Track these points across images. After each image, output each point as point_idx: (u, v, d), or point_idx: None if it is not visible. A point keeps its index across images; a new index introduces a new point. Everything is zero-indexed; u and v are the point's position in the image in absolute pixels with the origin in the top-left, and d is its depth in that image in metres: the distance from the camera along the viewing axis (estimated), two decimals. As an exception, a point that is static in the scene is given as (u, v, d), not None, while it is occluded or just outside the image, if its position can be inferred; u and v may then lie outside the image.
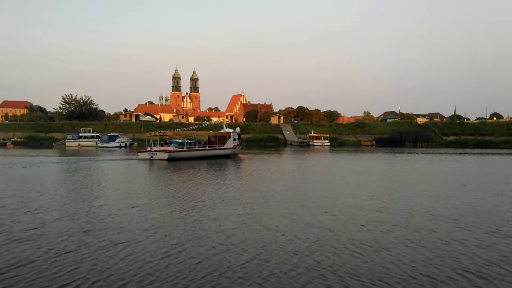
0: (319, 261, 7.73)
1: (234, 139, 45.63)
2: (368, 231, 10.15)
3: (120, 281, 6.61)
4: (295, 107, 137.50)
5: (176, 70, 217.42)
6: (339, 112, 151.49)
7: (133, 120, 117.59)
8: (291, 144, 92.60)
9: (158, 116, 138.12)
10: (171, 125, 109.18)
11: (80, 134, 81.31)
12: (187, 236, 9.45)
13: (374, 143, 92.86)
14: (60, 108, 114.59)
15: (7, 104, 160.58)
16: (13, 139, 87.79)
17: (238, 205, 13.69)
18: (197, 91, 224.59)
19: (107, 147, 72.48)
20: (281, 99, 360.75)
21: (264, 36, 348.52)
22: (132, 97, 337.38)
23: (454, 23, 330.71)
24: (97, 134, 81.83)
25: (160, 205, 13.57)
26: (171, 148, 39.26)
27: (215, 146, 43.18)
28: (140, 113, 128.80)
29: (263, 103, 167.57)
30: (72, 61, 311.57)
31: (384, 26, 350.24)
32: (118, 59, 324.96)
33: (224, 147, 43.87)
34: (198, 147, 42.08)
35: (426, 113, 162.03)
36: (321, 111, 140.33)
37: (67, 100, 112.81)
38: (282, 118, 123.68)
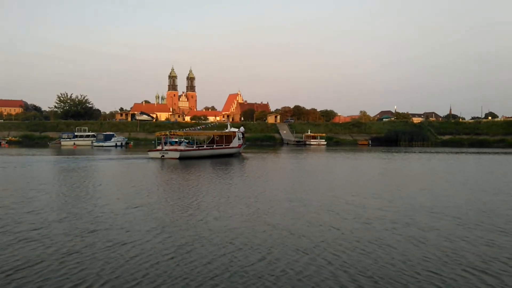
0: (329, 260, 7.72)
1: (239, 138, 46.36)
2: (373, 229, 10.18)
3: (132, 282, 6.55)
4: (292, 106, 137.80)
5: (173, 69, 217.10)
6: (335, 111, 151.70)
7: (129, 119, 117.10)
8: (287, 144, 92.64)
9: (154, 115, 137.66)
10: (167, 124, 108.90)
11: (76, 133, 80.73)
12: (194, 235, 9.40)
13: (370, 143, 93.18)
14: (55, 107, 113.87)
15: (1, 103, 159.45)
16: (8, 138, 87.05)
17: (243, 204, 13.68)
18: (194, 90, 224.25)
19: (102, 146, 72.08)
20: (277, 98, 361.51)
21: (260, 35, 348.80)
22: (128, 96, 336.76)
23: (450, 24, 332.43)
24: (92, 133, 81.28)
25: (166, 204, 13.53)
26: (181, 147, 40.17)
27: (222, 145, 43.84)
28: (136, 112, 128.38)
29: (260, 102, 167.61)
30: (67, 59, 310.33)
31: (380, 27, 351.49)
32: (114, 58, 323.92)
33: (230, 146, 44.53)
34: (206, 146, 42.89)
35: (422, 113, 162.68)
36: (318, 110, 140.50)
37: (62, 99, 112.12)
38: (278, 117, 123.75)
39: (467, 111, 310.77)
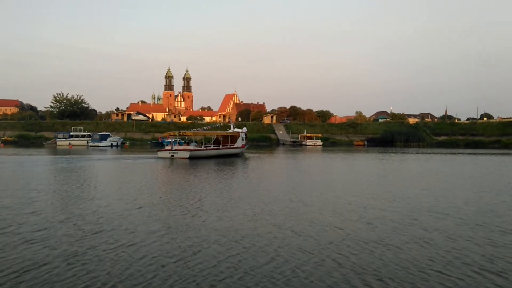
0: (339, 261, 7.74)
1: (242, 139, 47.38)
2: (378, 230, 10.25)
3: (143, 284, 6.53)
4: (288, 106, 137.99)
5: (169, 69, 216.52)
6: (331, 112, 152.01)
7: (125, 119, 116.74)
8: (283, 144, 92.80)
9: (150, 115, 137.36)
10: (163, 124, 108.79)
11: (71, 133, 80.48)
12: (200, 236, 9.39)
13: (366, 143, 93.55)
14: (51, 107, 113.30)
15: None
16: (3, 138, 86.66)
17: (246, 204, 13.70)
18: (190, 91, 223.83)
19: (98, 146, 71.95)
20: (273, 99, 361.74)
21: (257, 36, 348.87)
22: (124, 96, 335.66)
23: (446, 25, 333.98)
24: (88, 133, 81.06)
25: (170, 204, 13.54)
26: (191, 147, 41.05)
27: (227, 145, 44.90)
28: (132, 112, 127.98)
29: (256, 103, 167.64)
30: (63, 59, 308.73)
31: (376, 28, 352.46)
32: (110, 58, 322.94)
33: (234, 146, 45.70)
34: (213, 146, 43.85)
35: (418, 113, 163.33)
36: (314, 111, 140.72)
37: (58, 99, 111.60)
38: (274, 117, 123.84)
39: (463, 112, 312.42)
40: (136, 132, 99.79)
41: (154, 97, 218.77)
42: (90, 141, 76.70)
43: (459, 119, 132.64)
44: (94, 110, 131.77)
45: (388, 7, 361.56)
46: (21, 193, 15.51)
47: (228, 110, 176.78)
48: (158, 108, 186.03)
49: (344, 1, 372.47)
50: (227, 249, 8.40)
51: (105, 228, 10.07)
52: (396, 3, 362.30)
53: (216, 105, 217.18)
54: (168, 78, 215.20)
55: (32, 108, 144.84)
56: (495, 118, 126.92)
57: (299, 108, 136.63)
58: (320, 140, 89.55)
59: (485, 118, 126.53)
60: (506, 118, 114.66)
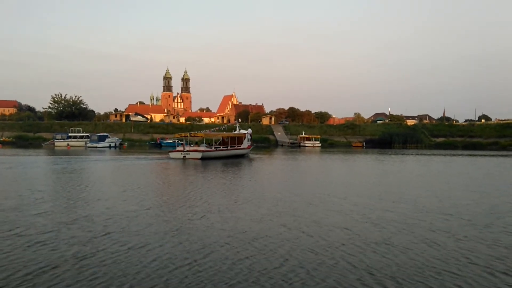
0: (352, 263, 7.74)
1: (248, 140, 48.20)
2: (387, 231, 10.28)
3: (158, 286, 6.50)
4: (286, 108, 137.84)
5: (167, 70, 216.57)
6: (330, 113, 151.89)
7: (124, 120, 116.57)
8: (282, 145, 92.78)
9: (148, 116, 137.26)
10: (162, 125, 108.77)
11: (69, 134, 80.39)
12: (211, 238, 9.37)
13: (364, 144, 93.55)
14: (49, 107, 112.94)
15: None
16: (1, 139, 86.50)
17: (254, 205, 13.72)
18: (189, 91, 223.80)
19: (96, 147, 71.90)
20: (272, 100, 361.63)
21: (255, 37, 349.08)
22: (122, 97, 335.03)
23: (444, 27, 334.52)
24: (86, 134, 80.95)
25: (179, 205, 13.55)
26: (202, 148, 41.79)
27: (235, 146, 45.60)
28: (130, 113, 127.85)
29: (255, 104, 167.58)
30: (62, 60, 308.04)
31: (375, 29, 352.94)
32: (109, 59, 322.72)
33: (241, 147, 46.49)
34: (222, 147, 44.28)
35: (416, 115, 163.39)
36: (312, 112, 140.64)
37: (56, 99, 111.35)
38: (273, 119, 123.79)
39: (461, 114, 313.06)
40: (135, 133, 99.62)
41: (153, 98, 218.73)
42: (88, 142, 76.60)
43: (457, 121, 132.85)
44: (93, 111, 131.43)
45: (387, 8, 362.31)
46: (26, 194, 15.43)
47: (226, 111, 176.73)
48: (157, 109, 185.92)
49: (343, 1, 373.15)
50: (239, 251, 8.38)
51: (113, 229, 10.03)
52: (395, 4, 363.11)
53: (215, 106, 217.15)
54: (167, 79, 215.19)
55: (30, 109, 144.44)
56: (493, 120, 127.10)
57: (298, 109, 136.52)
58: (318, 142, 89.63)
59: (483, 120, 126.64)
60: (504, 120, 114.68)
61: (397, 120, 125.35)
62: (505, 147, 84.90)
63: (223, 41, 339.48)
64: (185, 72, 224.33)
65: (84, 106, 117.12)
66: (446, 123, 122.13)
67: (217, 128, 59.41)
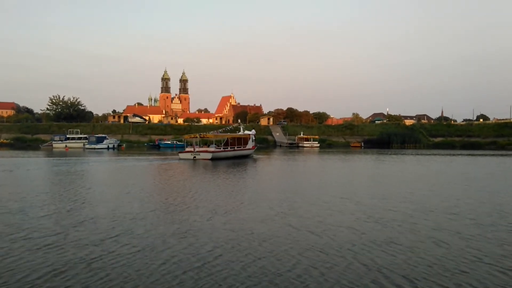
0: (365, 263, 7.72)
1: (252, 140, 49.30)
2: (395, 231, 10.28)
3: None
4: (285, 108, 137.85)
5: (166, 71, 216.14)
6: (328, 113, 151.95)
7: (122, 121, 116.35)
8: (280, 146, 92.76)
9: (147, 118, 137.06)
10: (160, 126, 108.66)
11: (68, 136, 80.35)
12: (220, 239, 9.31)
13: (362, 145, 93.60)
14: (47, 109, 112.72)
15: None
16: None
17: (261, 206, 13.70)
18: (187, 92, 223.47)
19: (94, 148, 71.89)
20: (270, 101, 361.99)
21: (254, 37, 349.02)
22: (120, 98, 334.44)
23: (442, 27, 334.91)
24: (84, 136, 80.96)
25: (186, 206, 13.54)
26: (211, 149, 42.43)
27: (241, 147, 46.60)
28: (128, 114, 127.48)
29: (253, 105, 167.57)
30: (60, 61, 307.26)
31: (373, 30, 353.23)
32: (106, 60, 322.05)
33: (247, 147, 47.51)
34: (230, 148, 45.17)
35: (414, 115, 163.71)
36: (311, 112, 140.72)
37: (54, 101, 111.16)
38: (271, 119, 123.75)
39: (459, 114, 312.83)
40: (133, 134, 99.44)
41: (151, 99, 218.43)
42: (86, 143, 76.61)
43: (455, 121, 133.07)
44: (91, 112, 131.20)
45: (385, 9, 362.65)
46: (31, 197, 15.36)
47: (225, 112, 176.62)
48: (155, 110, 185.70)
49: (341, 2, 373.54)
50: (250, 253, 8.34)
51: (121, 232, 9.98)
52: (393, 4, 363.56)
53: (213, 107, 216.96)
54: (165, 80, 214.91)
55: (29, 111, 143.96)
56: (491, 119, 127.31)
57: (296, 109, 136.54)
58: (317, 142, 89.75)
59: (481, 120, 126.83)
60: (502, 120, 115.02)
61: (395, 120, 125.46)
62: (503, 147, 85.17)
63: (221, 42, 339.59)
64: (183, 73, 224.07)
65: (82, 108, 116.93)
66: (444, 123, 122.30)
67: (223, 129, 60.01)
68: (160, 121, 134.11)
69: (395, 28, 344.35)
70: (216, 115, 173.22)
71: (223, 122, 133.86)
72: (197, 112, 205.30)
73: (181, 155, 41.92)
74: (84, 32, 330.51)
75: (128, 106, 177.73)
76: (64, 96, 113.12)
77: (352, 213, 12.66)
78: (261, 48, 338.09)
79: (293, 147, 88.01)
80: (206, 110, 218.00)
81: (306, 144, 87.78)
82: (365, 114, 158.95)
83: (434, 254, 8.41)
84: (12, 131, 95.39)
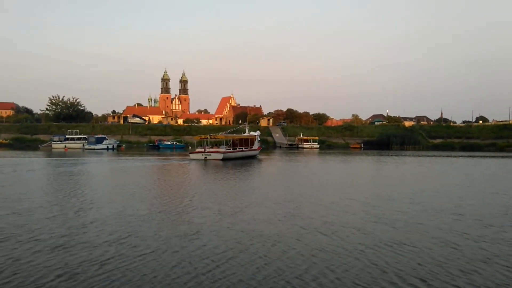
0: (379, 264, 7.70)
1: (258, 141, 50.18)
2: (405, 232, 10.28)
3: None
4: (285, 109, 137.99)
5: (165, 72, 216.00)
6: (328, 114, 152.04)
7: (121, 122, 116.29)
8: (280, 147, 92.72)
9: (146, 118, 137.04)
10: (160, 127, 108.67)
11: (67, 136, 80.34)
12: (231, 240, 9.28)
13: (362, 146, 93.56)
14: (47, 109, 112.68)
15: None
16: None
17: (269, 207, 13.66)
18: (187, 93, 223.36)
19: (94, 149, 71.88)
20: (270, 102, 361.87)
21: (254, 38, 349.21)
22: (120, 98, 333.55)
23: (441, 28, 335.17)
24: (84, 136, 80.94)
25: (195, 207, 13.53)
26: (222, 149, 42.79)
27: (248, 148, 47.32)
28: (128, 115, 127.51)
29: (253, 105, 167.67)
30: (60, 61, 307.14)
31: (373, 30, 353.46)
32: (106, 60, 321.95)
33: (253, 148, 48.44)
34: (238, 149, 45.62)
35: (413, 116, 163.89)
36: (310, 113, 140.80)
37: (54, 101, 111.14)
38: (271, 120, 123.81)
39: (458, 115, 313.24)
40: (133, 135, 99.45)
41: (151, 99, 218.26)
42: (85, 143, 76.60)
43: (454, 122, 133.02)
44: (90, 113, 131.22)
45: (385, 10, 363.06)
46: (37, 198, 15.34)
47: (224, 113, 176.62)
48: (155, 111, 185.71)
49: (340, 3, 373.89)
50: (264, 254, 8.31)
51: (131, 233, 9.95)
52: (392, 6, 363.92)
53: (213, 108, 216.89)
54: (165, 80, 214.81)
55: (28, 111, 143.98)
56: (490, 121, 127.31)
57: (296, 111, 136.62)
58: (317, 143, 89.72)
59: (480, 121, 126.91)
60: (501, 121, 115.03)
61: (395, 121, 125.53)
62: (502, 148, 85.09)
63: (221, 42, 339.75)
64: (183, 73, 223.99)
65: (81, 108, 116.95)
66: (444, 125, 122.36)
67: (231, 130, 60.92)
68: (160, 122, 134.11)
69: (395, 29, 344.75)
70: (216, 116, 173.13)
71: (223, 123, 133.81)
72: (197, 113, 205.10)
73: (192, 156, 42.37)
74: (83, 32, 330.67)
75: (127, 106, 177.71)
76: (63, 97, 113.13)
77: (360, 214, 12.70)
78: (261, 49, 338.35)
79: (293, 148, 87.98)
80: (206, 111, 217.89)
81: (305, 145, 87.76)
82: (364, 116, 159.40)
83: (445, 254, 8.47)
84: (12, 131, 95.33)
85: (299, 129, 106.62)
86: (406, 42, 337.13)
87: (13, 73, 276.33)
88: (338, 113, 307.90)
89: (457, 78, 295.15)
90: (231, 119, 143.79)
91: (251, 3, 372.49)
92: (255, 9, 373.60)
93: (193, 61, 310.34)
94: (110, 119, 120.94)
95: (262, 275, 7.13)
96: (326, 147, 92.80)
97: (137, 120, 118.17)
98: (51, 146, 77.76)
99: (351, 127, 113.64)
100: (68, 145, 75.86)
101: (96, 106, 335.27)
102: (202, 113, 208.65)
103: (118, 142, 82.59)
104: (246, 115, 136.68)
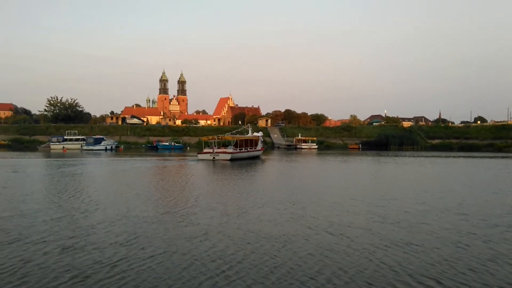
0: (391, 266, 7.69)
1: (261, 142, 51.09)
2: (413, 232, 10.29)
3: None
4: (283, 110, 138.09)
5: (164, 73, 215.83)
6: (326, 115, 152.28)
7: (120, 122, 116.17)
8: (278, 147, 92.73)
9: (145, 119, 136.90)
10: (158, 128, 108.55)
11: (65, 137, 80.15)
12: (240, 243, 9.25)
13: (360, 146, 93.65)
14: (45, 110, 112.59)
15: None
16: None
17: (275, 208, 13.66)
18: (185, 94, 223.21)
19: (92, 149, 71.78)
20: (268, 102, 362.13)
21: (252, 39, 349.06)
22: (118, 99, 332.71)
23: (440, 29, 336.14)
24: (82, 137, 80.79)
25: (202, 208, 13.50)
26: (230, 150, 43.25)
27: (253, 148, 48.33)
28: (126, 116, 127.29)
29: (251, 106, 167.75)
30: (58, 62, 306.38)
31: (372, 32, 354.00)
32: (105, 61, 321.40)
33: (257, 149, 49.44)
34: (244, 149, 46.33)
35: (412, 117, 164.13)
36: (308, 114, 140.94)
37: (52, 102, 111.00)
38: (269, 121, 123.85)
39: (457, 116, 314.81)
40: (131, 135, 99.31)
41: (149, 100, 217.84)
42: (84, 144, 76.47)
43: (453, 123, 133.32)
44: (89, 114, 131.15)
45: (383, 11, 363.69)
46: (42, 198, 15.31)
47: (223, 114, 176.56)
48: (153, 112, 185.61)
49: (339, 5, 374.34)
50: (276, 255, 8.28)
51: (140, 234, 9.92)
52: (391, 7, 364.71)
53: (211, 109, 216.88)
54: (163, 81, 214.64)
55: (26, 112, 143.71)
56: (488, 121, 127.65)
57: (294, 111, 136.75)
58: (315, 144, 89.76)
59: (478, 122, 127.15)
60: (500, 122, 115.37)
61: (393, 122, 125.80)
62: (501, 149, 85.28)
63: (220, 43, 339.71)
64: (181, 74, 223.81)
65: (80, 109, 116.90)
66: (442, 125, 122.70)
67: (236, 131, 61.91)
68: (158, 123, 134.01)
69: (393, 30, 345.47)
70: (214, 117, 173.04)
71: (221, 124, 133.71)
72: (195, 114, 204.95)
73: (200, 156, 42.89)
74: (82, 33, 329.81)
75: (126, 107, 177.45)
76: (62, 98, 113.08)
77: (365, 214, 12.74)
78: (260, 50, 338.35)
79: (291, 148, 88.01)
80: (204, 112, 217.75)
81: (304, 145, 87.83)
82: (363, 116, 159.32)
83: (455, 254, 8.50)
84: (10, 132, 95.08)
85: (297, 130, 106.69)
86: (404, 43, 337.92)
87: (12, 74, 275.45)
88: (336, 114, 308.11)
89: (455, 78, 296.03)
90: (229, 120, 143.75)
91: (250, 4, 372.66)
92: (254, 10, 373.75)
93: (191, 62, 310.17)
94: (108, 120, 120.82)
95: (275, 276, 7.13)
96: (324, 147, 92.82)
97: (135, 121, 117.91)
98: (49, 147, 77.55)
99: (349, 128, 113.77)
100: (66, 146, 75.66)
101: (94, 107, 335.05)
102: (200, 113, 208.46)
103: (116, 143, 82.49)
104: (244, 116, 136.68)
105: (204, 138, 49.55)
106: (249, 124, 74.21)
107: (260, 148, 50.40)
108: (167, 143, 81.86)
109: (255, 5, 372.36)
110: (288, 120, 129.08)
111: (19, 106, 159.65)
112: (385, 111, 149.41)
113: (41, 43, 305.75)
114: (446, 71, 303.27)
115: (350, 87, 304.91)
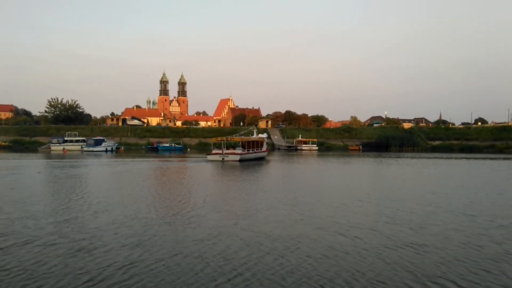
0: (405, 267, 7.65)
1: (266, 143, 52.08)
2: (423, 233, 10.29)
3: None
4: (283, 111, 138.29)
5: (164, 74, 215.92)
6: (326, 116, 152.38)
7: (120, 124, 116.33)
8: (279, 149, 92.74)
9: (145, 120, 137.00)
10: (158, 129, 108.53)
11: (66, 138, 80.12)
12: (252, 245, 9.20)
13: (361, 148, 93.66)
14: (45, 111, 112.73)
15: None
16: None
17: (282, 208, 13.62)
18: (185, 95, 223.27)
19: (93, 151, 71.76)
20: (269, 104, 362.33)
21: (252, 41, 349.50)
22: (119, 101, 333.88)
23: (440, 31, 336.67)
24: (82, 138, 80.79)
25: (210, 209, 13.49)
26: (238, 151, 43.92)
27: (259, 149, 49.48)
28: (127, 117, 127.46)
29: (251, 107, 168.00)
30: (58, 64, 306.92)
31: (372, 33, 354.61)
32: (105, 63, 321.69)
33: (262, 150, 50.58)
34: (251, 151, 47.26)
35: (412, 118, 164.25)
36: (309, 115, 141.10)
37: (53, 103, 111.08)
38: (270, 122, 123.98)
39: (457, 117, 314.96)
40: (131, 137, 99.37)
41: (149, 102, 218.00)
42: (84, 146, 76.49)
43: (453, 124, 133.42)
44: (89, 115, 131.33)
45: (384, 13, 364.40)
46: (48, 200, 15.27)
47: (223, 115, 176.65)
48: (153, 113, 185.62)
49: (339, 6, 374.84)
50: (290, 258, 8.23)
51: (150, 236, 9.88)
52: (391, 9, 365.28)
53: (211, 110, 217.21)
54: (163, 83, 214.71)
55: (27, 113, 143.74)
56: (489, 122, 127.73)
57: (294, 112, 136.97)
58: (315, 145, 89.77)
59: (479, 123, 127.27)
60: (500, 123, 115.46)
61: (394, 123, 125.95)
62: (501, 150, 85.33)
63: (220, 44, 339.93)
64: (182, 76, 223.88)
65: (80, 110, 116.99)
66: (443, 126, 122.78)
67: (243, 132, 63.41)
68: (158, 124, 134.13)
69: (394, 31, 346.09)
70: (215, 118, 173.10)
71: (222, 125, 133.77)
72: (195, 115, 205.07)
73: (210, 157, 43.70)
74: (82, 34, 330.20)
75: (126, 108, 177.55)
76: (62, 99, 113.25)
77: (373, 215, 12.73)
78: (260, 51, 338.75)
79: (292, 150, 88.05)
80: (204, 113, 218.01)
81: (304, 147, 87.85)
82: (363, 117, 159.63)
83: (467, 255, 8.51)
84: (10, 134, 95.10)
85: (298, 131, 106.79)
86: (404, 43, 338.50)
87: (12, 75, 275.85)
88: (336, 115, 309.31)
89: (456, 79, 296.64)
90: (230, 121, 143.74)
91: (250, 5, 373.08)
92: (254, 11, 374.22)
93: (192, 63, 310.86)
94: (109, 121, 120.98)
95: (292, 278, 7.09)
96: (325, 149, 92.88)
97: (135, 122, 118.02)
98: (50, 148, 77.55)
99: (349, 129, 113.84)
100: (66, 147, 75.65)
101: (95, 108, 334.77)
102: (201, 115, 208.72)
103: (116, 144, 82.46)
104: (244, 117, 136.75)
105: (214, 140, 50.54)
106: (254, 126, 74.59)
107: (265, 149, 51.42)
108: (168, 145, 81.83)
109: (255, 5, 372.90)
110: (288, 121, 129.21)
111: (19, 107, 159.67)
112: (386, 113, 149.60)
113: (41, 44, 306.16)
114: (446, 72, 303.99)
115: (351, 88, 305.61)
